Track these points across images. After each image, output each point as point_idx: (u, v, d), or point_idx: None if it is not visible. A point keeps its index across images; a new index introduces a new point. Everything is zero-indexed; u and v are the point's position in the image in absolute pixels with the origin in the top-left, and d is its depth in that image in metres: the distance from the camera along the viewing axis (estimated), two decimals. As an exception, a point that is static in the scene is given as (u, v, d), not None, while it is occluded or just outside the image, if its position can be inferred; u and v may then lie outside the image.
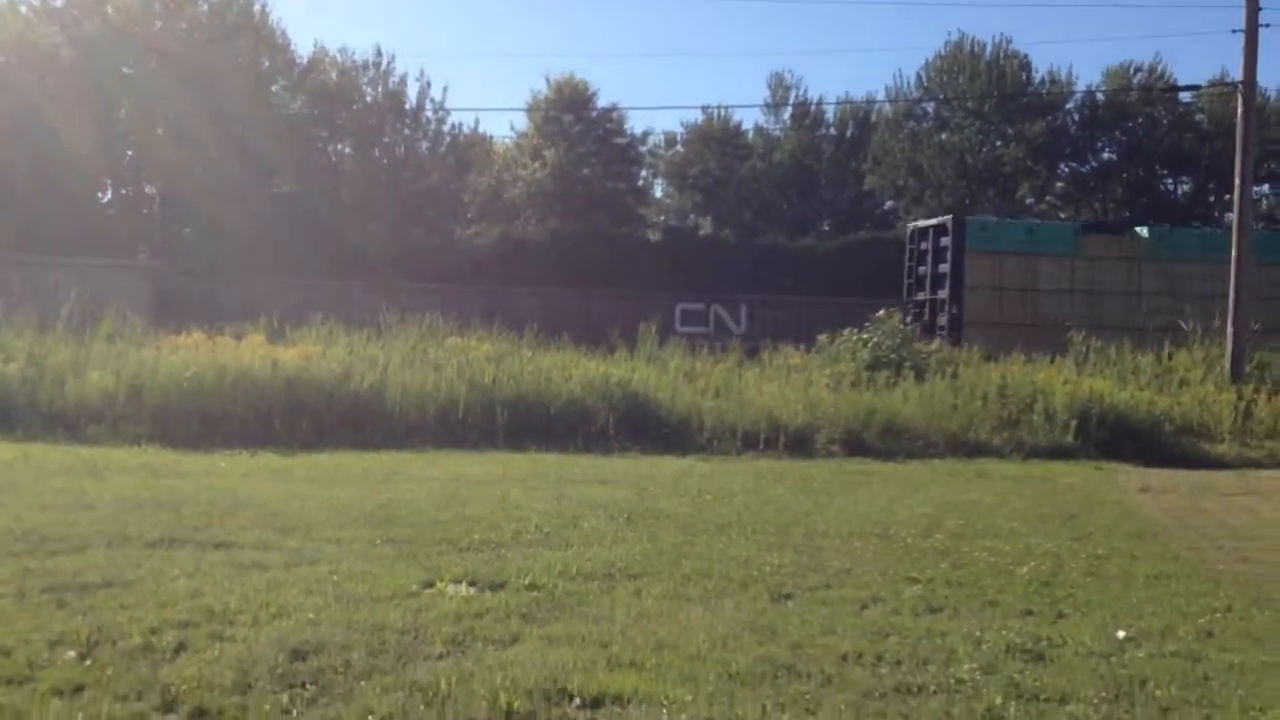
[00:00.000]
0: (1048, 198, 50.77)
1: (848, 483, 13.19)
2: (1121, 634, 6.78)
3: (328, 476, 12.03)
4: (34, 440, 13.66)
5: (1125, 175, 50.07)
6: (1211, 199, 49.16)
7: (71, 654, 5.71)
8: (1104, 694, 5.73)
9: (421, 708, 5.18)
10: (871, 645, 6.38)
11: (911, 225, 31.96)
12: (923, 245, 29.59)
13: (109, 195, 40.14)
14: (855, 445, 16.07)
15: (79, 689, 5.26)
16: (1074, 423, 16.87)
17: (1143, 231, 30.43)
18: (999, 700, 5.56)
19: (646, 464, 14.16)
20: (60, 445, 13.48)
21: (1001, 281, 29.09)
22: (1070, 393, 17.55)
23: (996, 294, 29.03)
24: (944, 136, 48.56)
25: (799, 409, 16.66)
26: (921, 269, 29.51)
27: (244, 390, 15.20)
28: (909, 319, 26.64)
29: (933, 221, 30.39)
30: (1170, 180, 51.22)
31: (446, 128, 46.72)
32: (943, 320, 28.12)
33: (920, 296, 29.26)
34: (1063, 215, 47.17)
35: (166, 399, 14.88)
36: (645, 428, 16.03)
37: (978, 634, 6.67)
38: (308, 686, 5.41)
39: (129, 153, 38.87)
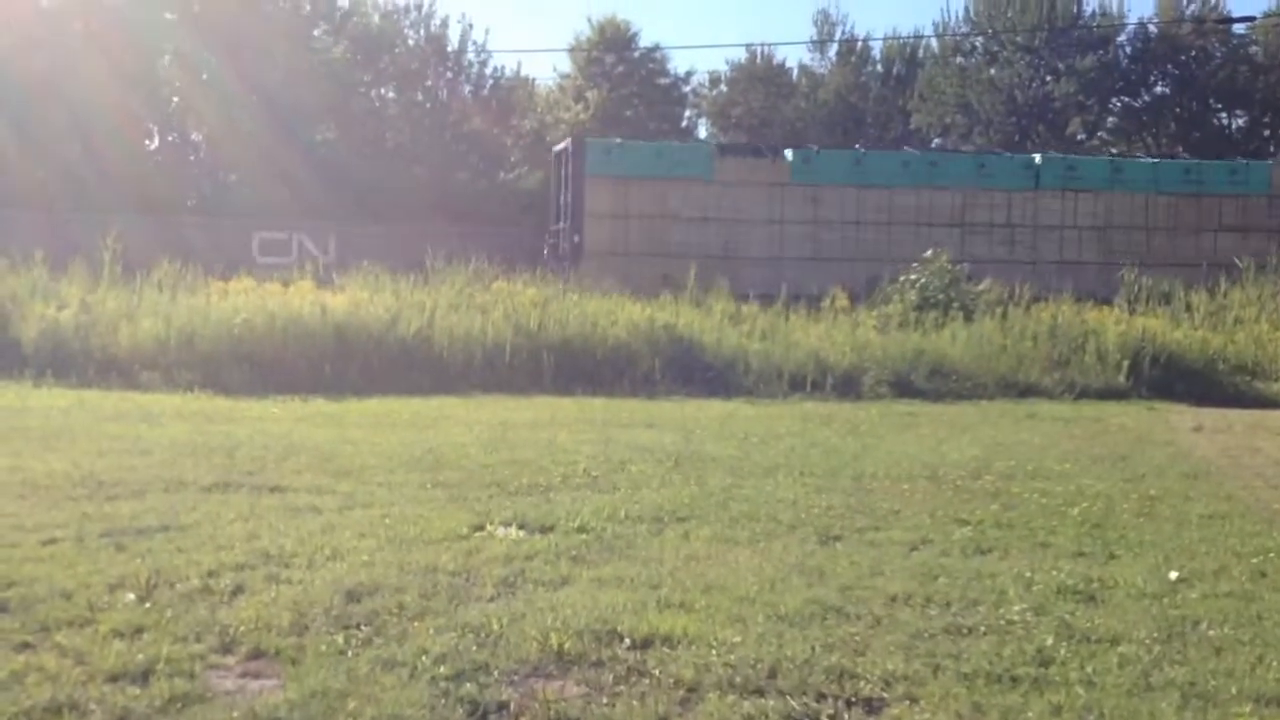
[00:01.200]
0: (1099, 133, 49.90)
1: (896, 425, 13.15)
2: (1174, 575, 6.74)
3: (378, 421, 12.13)
4: (88, 387, 13.86)
5: (1178, 109, 49.06)
6: (1267, 133, 48.14)
7: (131, 597, 5.82)
8: (1156, 635, 5.70)
9: (474, 648, 5.24)
10: (921, 587, 6.38)
11: (556, 148, 30.22)
12: (561, 170, 28.13)
13: (156, 143, 40.35)
14: (903, 387, 15.99)
15: (139, 631, 5.36)
16: (1126, 363, 16.70)
17: (787, 154, 28.86)
18: (1050, 641, 5.55)
19: (692, 407, 14.17)
20: (114, 392, 13.67)
21: (627, 209, 27.27)
22: (1122, 332, 17.37)
23: (622, 222, 27.23)
24: (993, 72, 47.73)
25: (846, 351, 16.60)
26: (561, 196, 28.07)
27: (294, 337, 15.33)
28: (545, 250, 25.67)
29: (564, 144, 28.85)
30: (1224, 114, 50.16)
31: (489, 71, 46.55)
32: (567, 250, 26.67)
33: (556, 226, 27.85)
34: (1114, 151, 46.34)
35: (217, 346, 15.04)
36: (691, 371, 16.03)
37: (1028, 575, 6.65)
38: (363, 628, 5.49)
39: (175, 99, 38.99)
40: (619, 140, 30.82)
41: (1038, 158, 30.77)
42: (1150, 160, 32.60)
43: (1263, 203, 29.60)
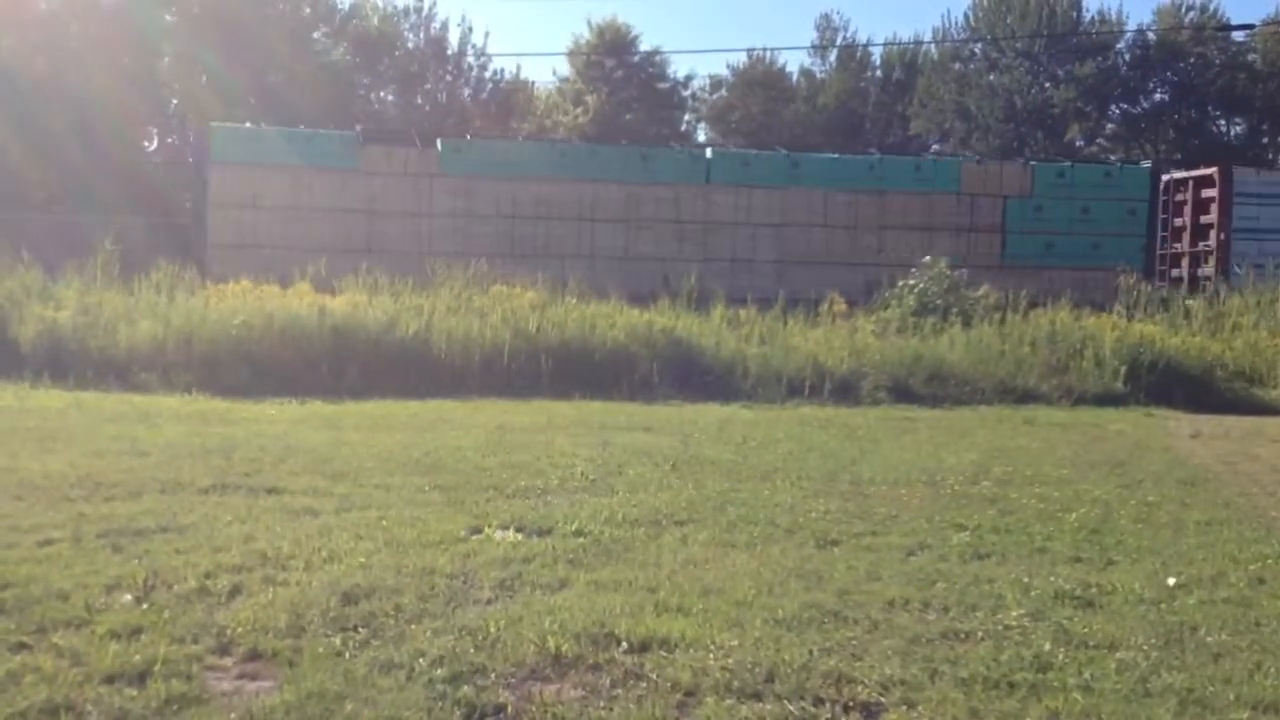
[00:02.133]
0: (1098, 140, 50.00)
1: (894, 429, 13.15)
2: (1172, 581, 6.73)
3: (375, 424, 12.12)
4: (86, 388, 13.84)
5: (1177, 116, 49.22)
6: (1265, 140, 48.23)
7: (128, 598, 5.81)
8: (1154, 640, 5.69)
9: (471, 650, 5.23)
10: (918, 591, 6.37)
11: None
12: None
13: (155, 144, 40.39)
14: (901, 392, 15.99)
15: (136, 632, 5.35)
16: (1124, 369, 16.70)
17: (438, 143, 27.79)
18: (1047, 646, 5.54)
19: (690, 411, 14.16)
20: (112, 393, 13.66)
21: (257, 199, 25.70)
22: (1120, 338, 17.37)
23: (250, 212, 25.66)
24: (992, 78, 47.88)
25: (844, 356, 16.60)
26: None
27: (292, 338, 15.32)
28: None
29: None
30: (1223, 121, 50.28)
31: (488, 74, 46.66)
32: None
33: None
34: (1113, 157, 46.42)
35: (215, 347, 15.02)
36: (689, 375, 16.03)
37: (1026, 580, 6.64)
38: (359, 629, 5.48)
39: (174, 101, 39.03)
40: (249, 125, 29.34)
41: (709, 151, 29.86)
42: (831, 156, 31.56)
43: (951, 200, 28.97)
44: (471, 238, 25.71)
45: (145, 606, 5.69)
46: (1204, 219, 28.84)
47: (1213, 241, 28.41)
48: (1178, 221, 29.65)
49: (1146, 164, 33.87)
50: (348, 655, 5.17)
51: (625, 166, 28.16)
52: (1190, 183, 29.64)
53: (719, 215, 28.17)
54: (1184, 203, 29.50)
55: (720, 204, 28.24)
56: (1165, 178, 30.77)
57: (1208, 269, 28.35)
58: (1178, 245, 29.48)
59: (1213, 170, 29.58)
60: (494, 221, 26.72)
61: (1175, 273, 29.33)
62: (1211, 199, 28.71)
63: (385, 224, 26.41)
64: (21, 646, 5.16)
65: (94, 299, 16.23)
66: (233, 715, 4.50)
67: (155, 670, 4.90)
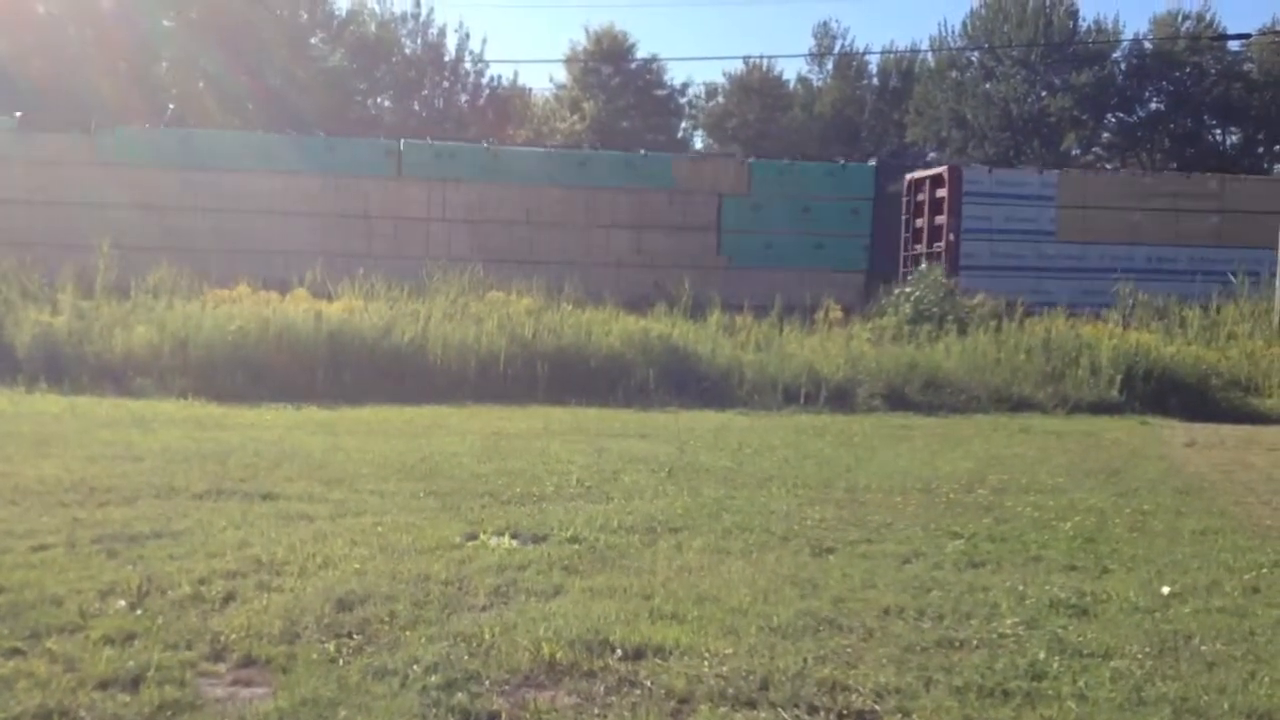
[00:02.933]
0: (1094, 148, 50.08)
1: (889, 437, 13.15)
2: (1166, 589, 6.74)
3: (371, 429, 12.12)
4: (81, 393, 13.82)
5: (1173, 125, 49.30)
6: (1260, 149, 48.33)
7: (122, 603, 5.80)
8: (1148, 649, 5.70)
9: (465, 657, 5.23)
10: (913, 599, 6.38)
11: None
12: None
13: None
14: (897, 400, 16.00)
15: (130, 638, 5.35)
16: (1119, 377, 16.71)
17: (102, 131, 26.07)
18: (1042, 655, 5.55)
19: (686, 418, 14.17)
20: (107, 398, 13.64)
21: None
22: (1116, 346, 17.38)
23: None
24: (989, 86, 47.94)
25: (840, 363, 16.60)
26: None
27: (288, 344, 15.30)
28: None
29: None
30: (1219, 130, 50.38)
31: (485, 80, 46.72)
32: None
33: None
34: (1109, 166, 46.52)
35: (211, 352, 15.00)
36: (685, 382, 16.02)
37: (1021, 589, 6.65)
38: (354, 636, 5.48)
39: (170, 106, 39.04)
40: None
41: (401, 143, 28.51)
42: (539, 150, 30.40)
43: (663, 197, 27.95)
44: (143, 229, 23.99)
45: (139, 612, 5.69)
46: (938, 220, 28.13)
47: (943, 243, 27.77)
48: (918, 222, 28.84)
49: (871, 162, 32.72)
50: (342, 662, 5.16)
51: (315, 158, 26.84)
52: (928, 182, 28.90)
53: (411, 211, 26.97)
54: (924, 203, 28.74)
55: (413, 198, 27.04)
56: (908, 177, 30.07)
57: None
58: (918, 246, 28.54)
59: (943, 169, 29.03)
60: (167, 213, 25.21)
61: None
62: (944, 199, 28.13)
63: (51, 214, 24.94)
64: (15, 652, 5.15)
65: (90, 303, 16.20)
66: (226, 721, 4.50)
67: (149, 676, 4.90)
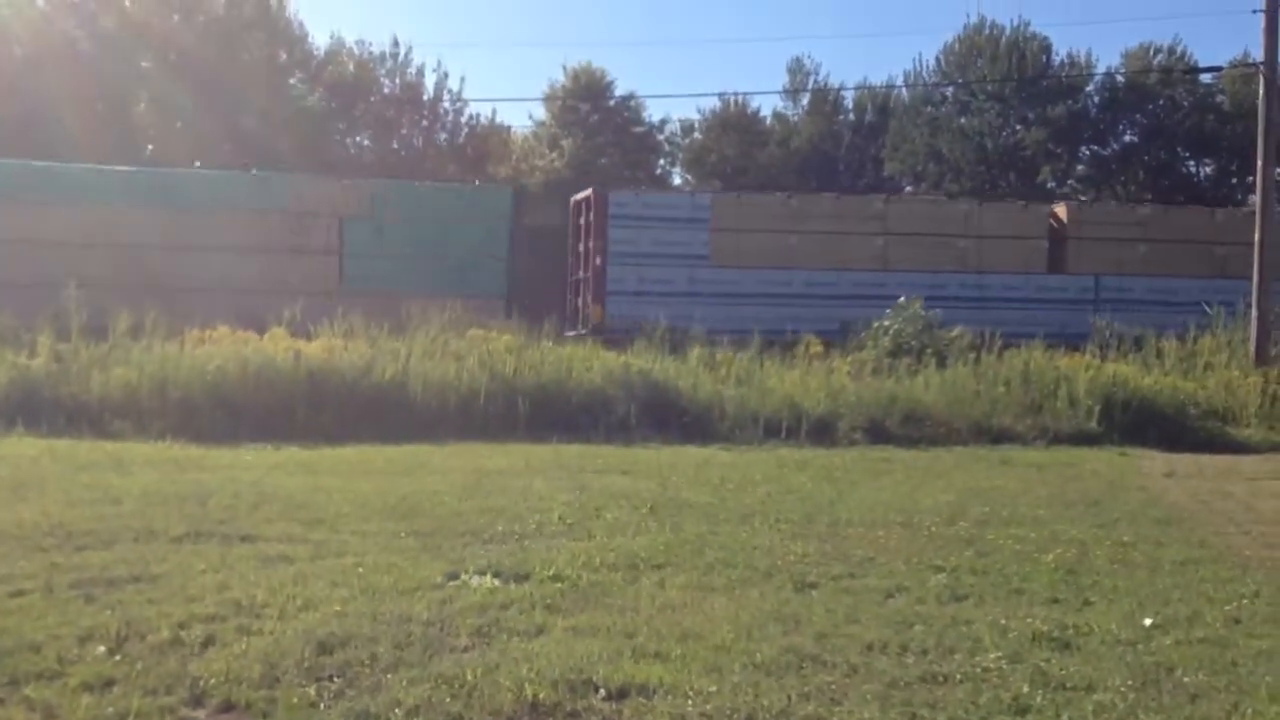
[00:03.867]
0: (1069, 181, 50.48)
1: (870, 471, 13.17)
2: (1148, 621, 6.75)
3: (351, 469, 12.07)
4: (59, 435, 13.73)
5: (1146, 158, 49.73)
6: (1234, 180, 48.78)
7: (101, 649, 5.75)
8: (1131, 682, 5.71)
9: (448, 700, 5.20)
10: (896, 634, 6.37)
11: None
12: None
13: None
14: (877, 433, 16.03)
15: (109, 684, 5.30)
16: (1098, 408, 16.80)
17: None
18: (1025, 689, 5.55)
19: (668, 453, 14.16)
20: (85, 440, 13.55)
21: None
22: (1093, 378, 17.48)
23: None
24: (963, 121, 48.32)
25: (821, 397, 16.64)
26: None
27: (267, 383, 15.25)
28: None
29: None
30: (1193, 162, 50.86)
31: (464, 118, 46.83)
32: None
33: None
34: (1083, 198, 46.88)
35: (190, 393, 14.94)
36: (667, 417, 16.02)
37: (1003, 622, 6.65)
38: (335, 679, 5.44)
39: (149, 147, 39.03)
40: None
41: None
42: (130, 169, 27.84)
43: (280, 220, 26.19)
44: None
45: (118, 658, 5.64)
46: (591, 244, 26.98)
47: (591, 269, 26.77)
48: (579, 247, 27.68)
49: (508, 187, 31.74)
50: (323, 706, 5.13)
51: None
52: (584, 205, 27.67)
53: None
54: (581, 227, 27.56)
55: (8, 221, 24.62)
56: (573, 200, 28.78)
57: (588, 298, 26.85)
58: (579, 272, 27.58)
59: (589, 192, 27.80)
60: None
61: (579, 302, 27.61)
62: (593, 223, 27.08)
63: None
64: (-8, 700, 5.10)
65: (68, 346, 16.11)
66: (206, 768, 4.45)
67: (128, 723, 4.86)
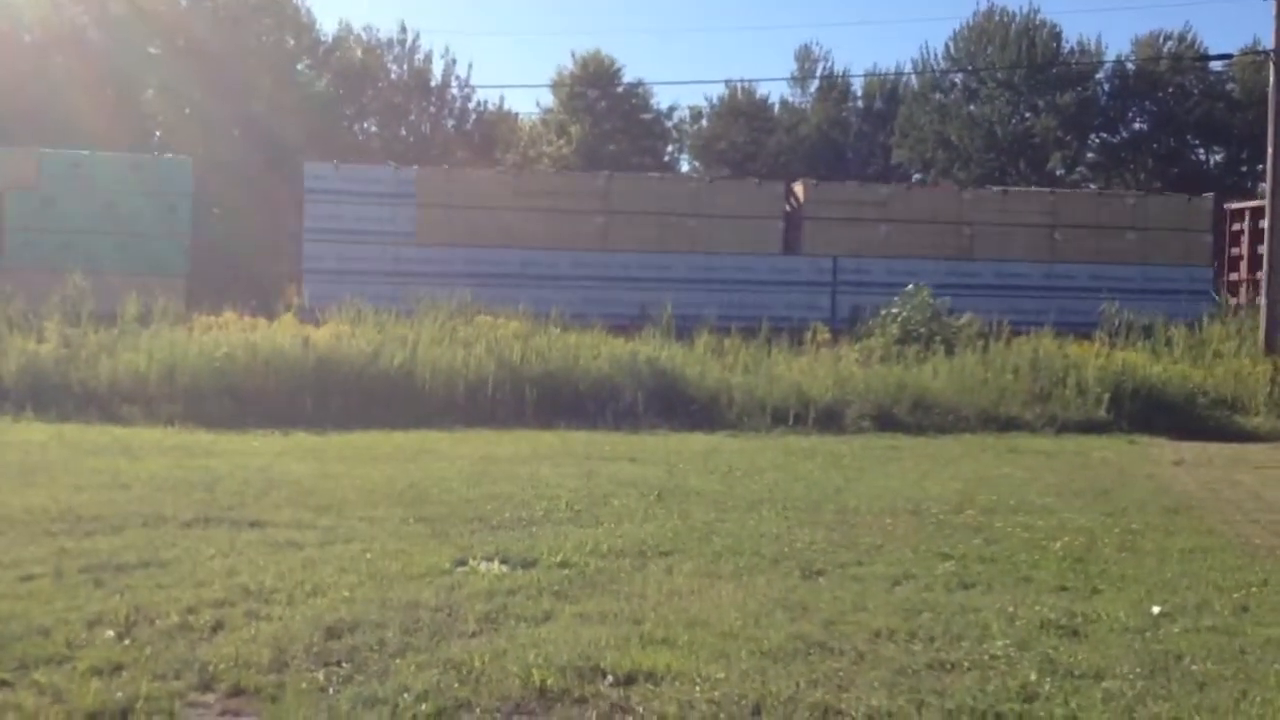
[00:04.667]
0: (1079, 168, 50.32)
1: (878, 458, 13.16)
2: (1156, 609, 6.75)
3: (359, 455, 12.08)
4: (68, 421, 13.77)
5: (1156, 146, 49.58)
6: (1244, 169, 48.61)
7: (110, 633, 5.77)
8: (1139, 669, 5.70)
9: (456, 685, 5.21)
10: (904, 622, 6.37)
11: None
12: None
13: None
14: (885, 420, 16.00)
15: (118, 668, 5.32)
16: (1106, 396, 16.76)
17: None
18: (1033, 676, 5.54)
19: (675, 441, 14.16)
20: (94, 426, 13.58)
21: None
22: (1102, 366, 17.43)
23: None
24: (972, 108, 48.21)
25: (828, 384, 16.61)
26: None
27: (276, 370, 15.27)
28: None
29: None
30: (1202, 150, 50.70)
31: (472, 105, 46.78)
32: None
33: None
34: (1093, 185, 46.75)
35: (198, 379, 14.96)
36: (674, 404, 16.01)
37: (1011, 610, 6.65)
38: (343, 664, 5.45)
39: (157, 134, 39.03)
40: None
41: None
42: None
43: None
44: None
45: (127, 642, 5.66)
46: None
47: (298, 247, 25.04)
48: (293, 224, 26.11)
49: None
50: (331, 690, 5.14)
51: None
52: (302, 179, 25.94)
53: None
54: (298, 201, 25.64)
55: None
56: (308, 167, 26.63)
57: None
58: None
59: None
60: None
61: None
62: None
63: None
64: (2, 684, 5.13)
65: (76, 331, 16.14)
66: (215, 752, 4.46)
67: (137, 707, 4.88)
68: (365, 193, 25.33)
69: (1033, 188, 35.03)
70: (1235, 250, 27.53)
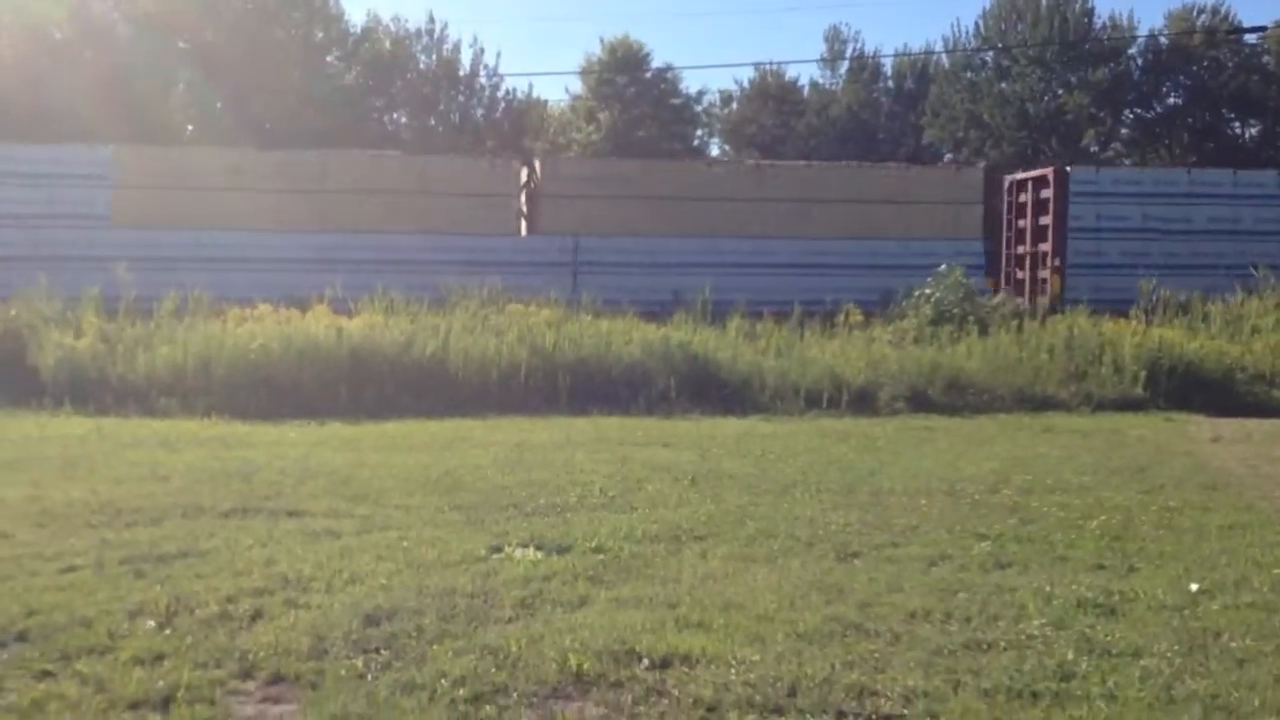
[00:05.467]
0: (1113, 145, 49.89)
1: (912, 440, 13.11)
2: (1194, 587, 6.70)
3: (394, 444, 12.15)
4: (106, 414, 13.91)
5: (1191, 120, 49.08)
6: (1281, 141, 48.10)
7: (151, 624, 5.84)
8: (1177, 647, 5.67)
9: (493, 670, 5.25)
10: (940, 602, 6.36)
11: None
12: None
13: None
14: (919, 402, 15.94)
15: (159, 658, 5.38)
16: (1143, 374, 16.62)
17: None
18: (1070, 655, 5.52)
19: (708, 425, 14.16)
20: (132, 419, 13.72)
21: None
22: (1139, 343, 17.29)
23: None
24: (1004, 86, 47.83)
25: (861, 366, 16.56)
26: None
27: (310, 361, 15.36)
28: None
29: None
30: (1238, 124, 50.13)
31: (501, 93, 46.87)
32: None
33: None
34: (1128, 162, 46.31)
35: (234, 371, 15.08)
36: (706, 389, 16.01)
37: (1048, 589, 6.62)
38: (382, 651, 5.50)
39: (189, 127, 39.32)
40: None
41: None
42: None
43: None
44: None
45: (168, 632, 5.72)
46: None
47: None
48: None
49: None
50: (370, 677, 5.18)
51: None
52: None
53: None
54: None
55: None
56: None
57: None
58: None
59: None
60: None
61: None
62: None
63: None
64: (45, 674, 5.20)
65: (113, 326, 16.30)
66: (256, 739, 4.52)
67: (179, 696, 4.93)
68: (56, 174, 23.19)
69: (800, 161, 31.78)
70: (1021, 223, 26.44)
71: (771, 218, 25.04)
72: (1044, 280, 25.15)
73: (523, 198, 25.43)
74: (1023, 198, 26.52)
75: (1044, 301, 23.10)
